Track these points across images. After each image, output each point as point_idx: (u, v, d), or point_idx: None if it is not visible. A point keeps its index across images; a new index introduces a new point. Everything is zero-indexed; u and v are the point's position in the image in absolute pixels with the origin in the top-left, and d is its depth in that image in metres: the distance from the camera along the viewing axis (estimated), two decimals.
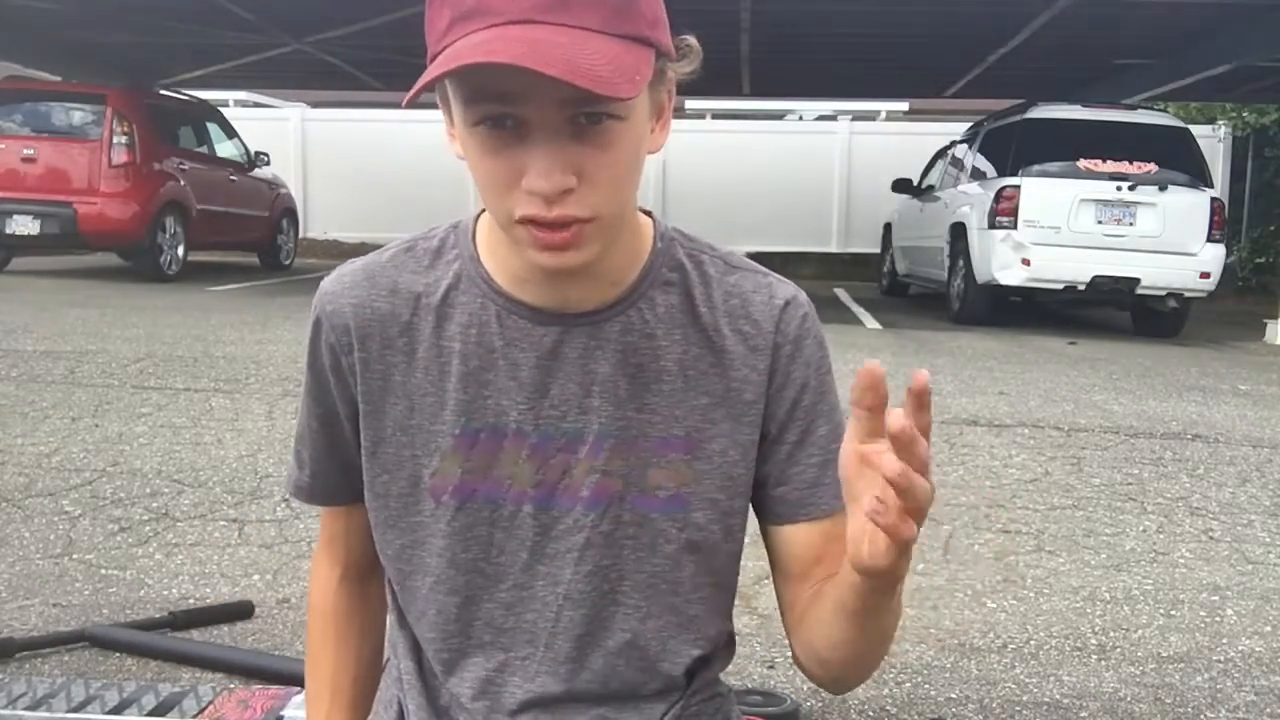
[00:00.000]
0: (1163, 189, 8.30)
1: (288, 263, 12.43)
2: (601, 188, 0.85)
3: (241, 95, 16.53)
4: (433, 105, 0.92)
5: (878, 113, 17.55)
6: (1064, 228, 8.29)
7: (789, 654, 1.10)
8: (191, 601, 2.45)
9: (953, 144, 10.64)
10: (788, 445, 1.00)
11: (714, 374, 0.98)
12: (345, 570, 1.12)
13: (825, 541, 1.02)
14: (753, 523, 1.07)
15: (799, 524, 1.02)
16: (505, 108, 0.82)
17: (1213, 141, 13.53)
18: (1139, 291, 8.31)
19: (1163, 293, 8.42)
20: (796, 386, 0.99)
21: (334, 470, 1.06)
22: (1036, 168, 8.47)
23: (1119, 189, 8.27)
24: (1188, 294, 8.47)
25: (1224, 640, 2.49)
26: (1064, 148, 8.50)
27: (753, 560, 1.09)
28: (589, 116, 0.83)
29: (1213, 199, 8.46)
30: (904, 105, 17.01)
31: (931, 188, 10.64)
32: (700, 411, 0.98)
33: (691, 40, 0.92)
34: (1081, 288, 8.33)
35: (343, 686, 1.11)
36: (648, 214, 1.02)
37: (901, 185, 11.26)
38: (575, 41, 0.80)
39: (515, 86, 0.80)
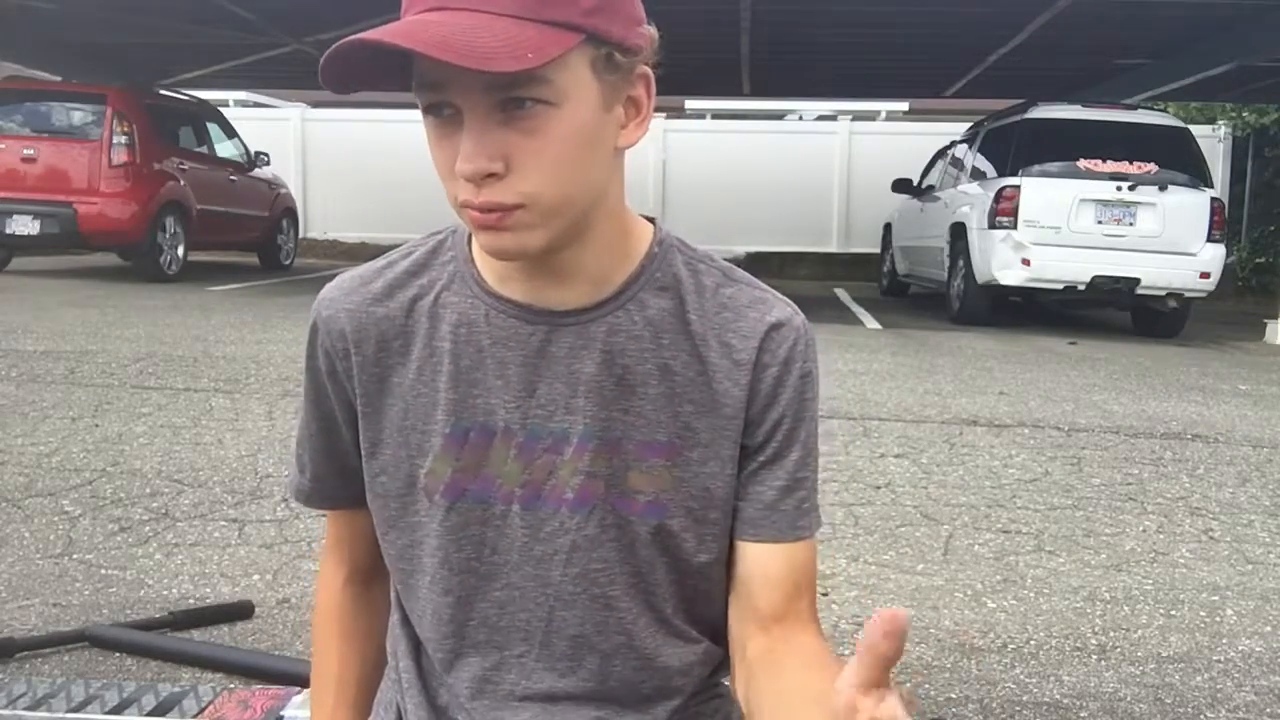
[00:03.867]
0: (1163, 189, 8.30)
1: (288, 263, 12.42)
2: (531, 175, 0.85)
3: (241, 95, 16.53)
4: None
5: (878, 113, 17.55)
6: (1064, 228, 8.30)
7: None
8: (191, 601, 2.45)
9: (953, 144, 10.64)
10: (755, 464, 0.99)
11: (699, 383, 0.97)
12: (350, 572, 1.12)
13: (769, 566, 0.98)
14: None
15: (745, 541, 0.99)
16: (440, 95, 0.84)
17: (1213, 141, 13.53)
18: (1139, 291, 8.31)
19: (1163, 293, 8.42)
20: (781, 409, 0.98)
21: (333, 474, 1.06)
22: (1036, 168, 8.47)
23: (1119, 189, 8.27)
24: (1188, 294, 8.47)
25: (1224, 640, 2.49)
26: (1064, 148, 8.51)
27: None
28: (514, 102, 0.83)
29: (1213, 199, 8.46)
30: (904, 105, 17.01)
31: (931, 188, 10.64)
32: (684, 419, 0.97)
33: (649, 29, 0.90)
34: (1081, 288, 8.33)
35: (347, 685, 1.11)
36: (650, 220, 1.01)
37: (901, 185, 11.25)
38: (474, 23, 0.80)
39: (440, 74, 0.82)
